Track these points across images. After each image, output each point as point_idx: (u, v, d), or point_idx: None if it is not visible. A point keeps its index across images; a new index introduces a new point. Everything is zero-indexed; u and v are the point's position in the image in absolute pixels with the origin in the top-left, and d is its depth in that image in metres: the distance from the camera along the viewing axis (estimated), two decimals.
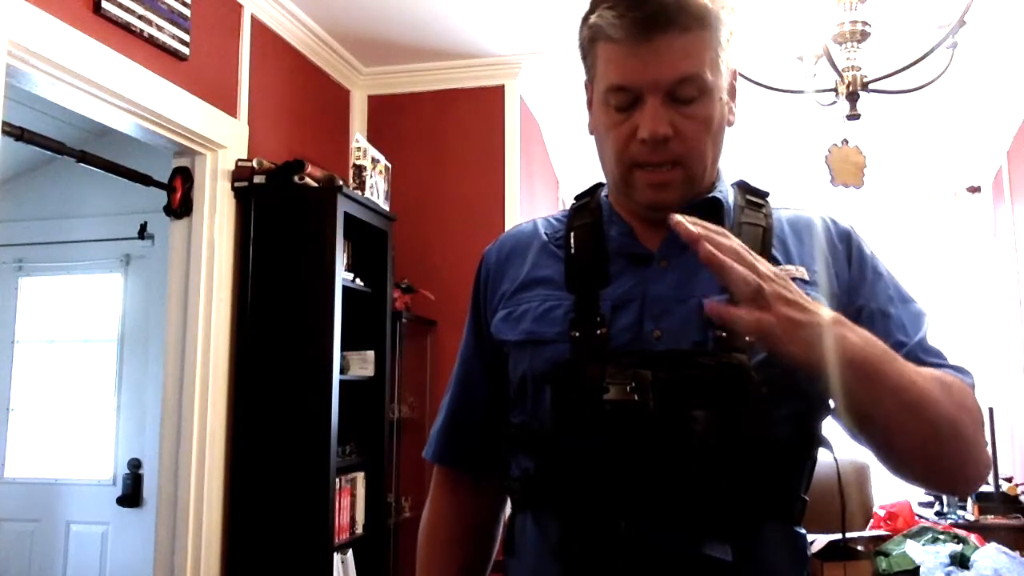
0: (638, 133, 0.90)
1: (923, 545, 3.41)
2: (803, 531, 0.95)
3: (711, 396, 0.79)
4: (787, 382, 0.88)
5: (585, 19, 0.95)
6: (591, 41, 0.95)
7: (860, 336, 0.81)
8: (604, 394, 0.81)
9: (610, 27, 0.90)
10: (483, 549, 1.15)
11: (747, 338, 0.87)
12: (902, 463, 0.87)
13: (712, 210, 0.97)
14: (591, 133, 1.01)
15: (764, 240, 0.95)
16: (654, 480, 0.81)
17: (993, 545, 3.40)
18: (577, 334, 0.92)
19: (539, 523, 0.94)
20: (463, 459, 1.12)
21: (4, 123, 2.13)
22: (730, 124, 0.97)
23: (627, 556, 0.84)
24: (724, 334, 0.88)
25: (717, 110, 0.93)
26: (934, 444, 0.83)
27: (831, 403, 0.93)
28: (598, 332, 0.91)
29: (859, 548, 3.29)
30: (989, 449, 0.91)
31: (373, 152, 3.24)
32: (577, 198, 1.07)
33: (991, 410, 4.40)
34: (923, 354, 0.92)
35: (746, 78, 2.36)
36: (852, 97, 2.45)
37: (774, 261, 0.94)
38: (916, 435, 0.83)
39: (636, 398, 0.80)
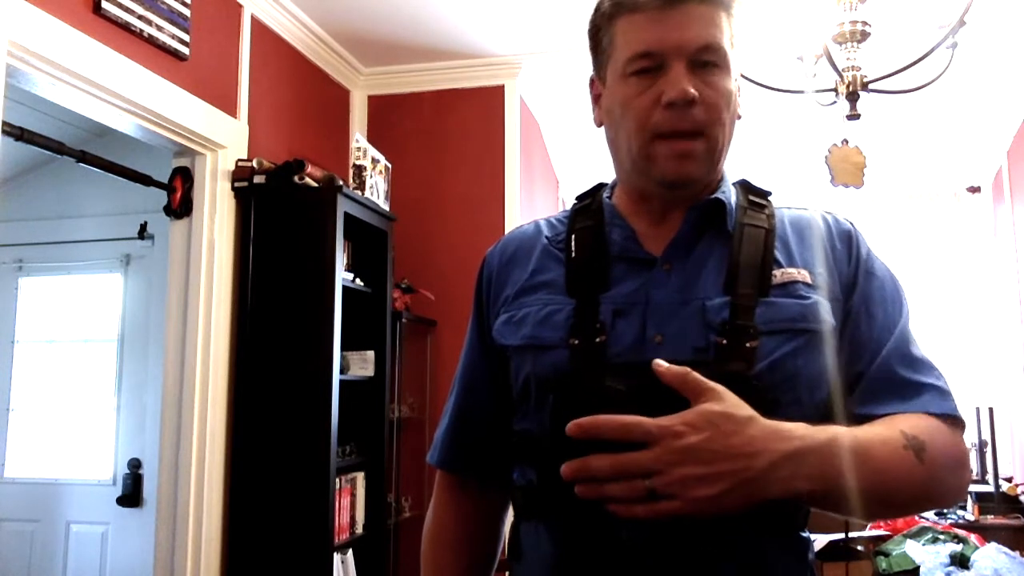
0: (664, 97, 0.90)
1: (923, 545, 3.41)
2: (807, 535, 0.94)
3: None
4: (789, 388, 0.88)
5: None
6: (611, 17, 0.95)
7: (805, 443, 0.79)
8: (602, 409, 0.81)
9: None
10: (487, 553, 1.15)
11: (748, 344, 0.87)
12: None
13: (715, 211, 0.97)
14: (598, 125, 1.01)
15: (766, 242, 0.95)
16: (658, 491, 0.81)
17: (993, 545, 3.40)
18: (576, 342, 0.91)
19: (542, 531, 0.93)
20: (467, 464, 1.12)
21: (4, 123, 2.13)
22: (739, 117, 0.97)
23: (628, 565, 0.84)
24: (726, 341, 0.87)
25: (734, 88, 0.94)
26: (898, 511, 0.91)
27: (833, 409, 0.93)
28: (597, 340, 0.90)
29: (859, 548, 3.29)
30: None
31: (373, 152, 3.24)
32: (578, 199, 1.07)
33: (991, 410, 4.41)
34: (900, 366, 0.92)
35: (746, 78, 2.35)
36: (852, 97, 2.45)
37: (776, 263, 0.94)
38: (879, 513, 0.90)
39: (629, 410, 0.79)
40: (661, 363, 0.79)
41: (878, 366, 0.92)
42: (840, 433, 0.81)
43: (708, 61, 0.91)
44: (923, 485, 0.85)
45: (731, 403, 0.78)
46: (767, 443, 0.77)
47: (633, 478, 0.75)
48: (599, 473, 0.76)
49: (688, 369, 0.78)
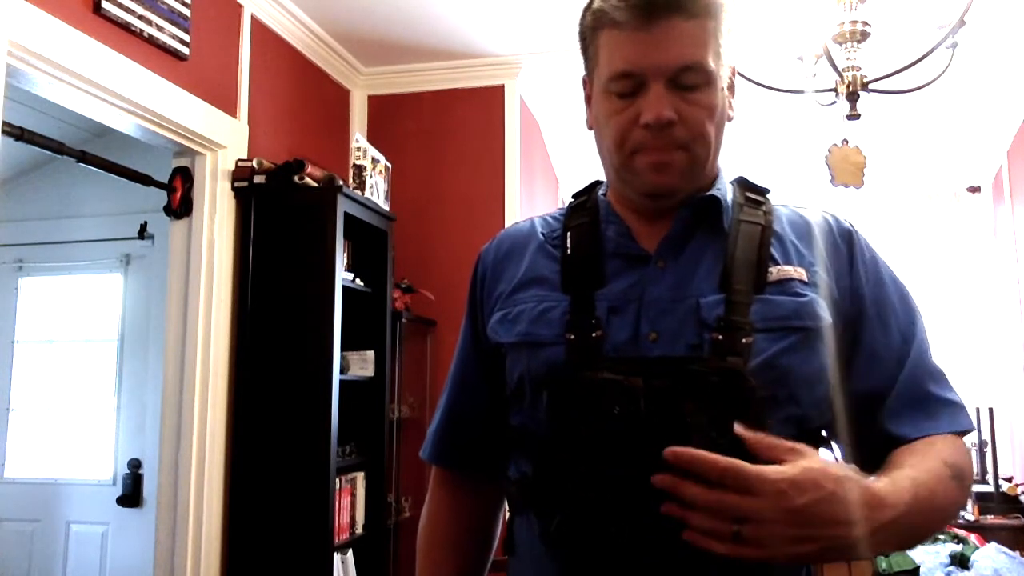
0: (641, 118, 0.89)
1: (923, 545, 3.41)
2: None
3: (706, 402, 0.79)
4: (784, 385, 0.88)
5: (588, 6, 0.95)
6: (593, 28, 0.94)
7: (881, 503, 0.78)
8: (598, 402, 0.81)
9: (614, 11, 0.90)
10: (481, 549, 1.15)
11: (744, 340, 0.87)
12: None
13: (711, 209, 0.96)
14: (590, 128, 1.00)
15: (762, 239, 0.94)
16: (649, 486, 0.81)
17: (993, 545, 3.41)
18: (572, 337, 0.91)
19: (536, 524, 0.93)
20: (460, 459, 1.12)
21: (4, 123, 2.13)
22: (729, 119, 0.97)
23: (624, 561, 0.84)
24: (721, 336, 0.87)
25: (719, 99, 0.92)
26: (939, 532, 0.92)
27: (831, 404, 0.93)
28: (593, 335, 0.90)
29: None
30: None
31: (373, 152, 3.24)
32: (574, 196, 1.07)
33: (991, 410, 4.41)
34: (925, 380, 0.94)
35: (746, 78, 2.35)
36: (852, 97, 2.45)
37: (772, 260, 0.93)
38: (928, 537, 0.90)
39: (626, 408, 0.79)
40: (745, 433, 0.77)
41: (904, 381, 0.93)
42: (917, 487, 0.81)
43: (690, 81, 0.89)
44: (959, 509, 0.91)
45: (825, 460, 0.78)
46: (870, 511, 0.76)
47: (722, 516, 0.74)
48: (691, 501, 0.74)
49: (764, 436, 0.78)
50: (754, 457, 0.77)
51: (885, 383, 0.93)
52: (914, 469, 0.85)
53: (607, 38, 0.92)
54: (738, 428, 0.77)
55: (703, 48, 0.89)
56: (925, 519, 0.83)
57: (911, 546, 0.83)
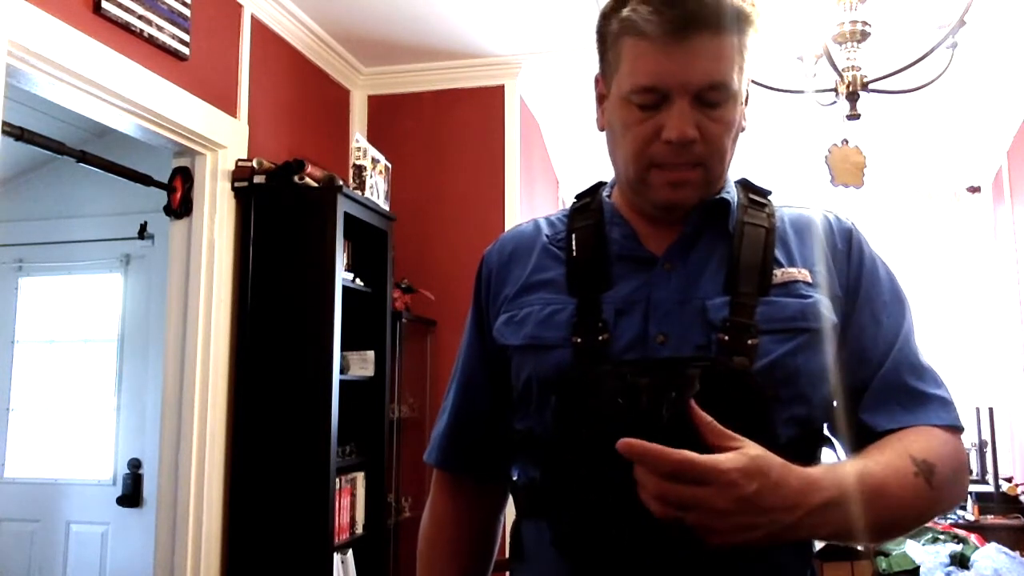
0: (663, 134, 0.89)
1: (923, 545, 3.41)
2: None
3: (713, 402, 0.79)
4: (790, 386, 0.88)
5: (614, 10, 0.93)
6: (618, 35, 0.92)
7: (830, 497, 0.79)
8: (603, 403, 0.81)
9: (645, 23, 0.88)
10: (484, 552, 1.15)
11: (749, 341, 0.87)
12: None
13: (720, 211, 0.97)
14: (601, 129, 0.99)
15: (767, 241, 0.95)
16: None
17: (993, 545, 3.41)
18: (579, 340, 0.91)
19: (545, 529, 0.93)
20: (465, 463, 1.11)
21: (4, 123, 2.13)
22: (742, 130, 0.96)
23: (628, 561, 0.84)
24: (727, 337, 0.88)
25: (738, 115, 0.93)
26: (904, 532, 0.91)
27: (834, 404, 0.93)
28: (600, 338, 0.90)
29: (859, 548, 3.29)
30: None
31: (373, 152, 3.24)
32: (577, 198, 1.06)
33: (991, 410, 4.41)
34: (907, 375, 0.93)
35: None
36: (852, 97, 2.45)
37: (777, 263, 0.94)
38: (885, 538, 0.91)
39: (628, 407, 0.79)
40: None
41: (884, 375, 0.92)
42: (860, 475, 0.82)
43: (714, 99, 0.89)
44: (931, 507, 0.88)
45: (762, 449, 0.78)
46: (803, 496, 0.78)
47: (671, 504, 0.75)
48: (641, 485, 0.76)
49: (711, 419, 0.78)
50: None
51: (868, 378, 0.93)
52: (868, 459, 0.85)
53: (632, 47, 0.90)
54: (696, 413, 0.77)
55: (729, 65, 0.89)
56: (874, 510, 0.81)
57: (864, 538, 0.83)
